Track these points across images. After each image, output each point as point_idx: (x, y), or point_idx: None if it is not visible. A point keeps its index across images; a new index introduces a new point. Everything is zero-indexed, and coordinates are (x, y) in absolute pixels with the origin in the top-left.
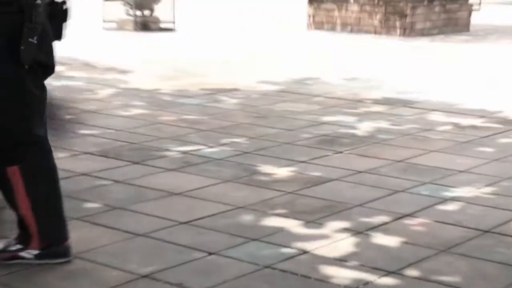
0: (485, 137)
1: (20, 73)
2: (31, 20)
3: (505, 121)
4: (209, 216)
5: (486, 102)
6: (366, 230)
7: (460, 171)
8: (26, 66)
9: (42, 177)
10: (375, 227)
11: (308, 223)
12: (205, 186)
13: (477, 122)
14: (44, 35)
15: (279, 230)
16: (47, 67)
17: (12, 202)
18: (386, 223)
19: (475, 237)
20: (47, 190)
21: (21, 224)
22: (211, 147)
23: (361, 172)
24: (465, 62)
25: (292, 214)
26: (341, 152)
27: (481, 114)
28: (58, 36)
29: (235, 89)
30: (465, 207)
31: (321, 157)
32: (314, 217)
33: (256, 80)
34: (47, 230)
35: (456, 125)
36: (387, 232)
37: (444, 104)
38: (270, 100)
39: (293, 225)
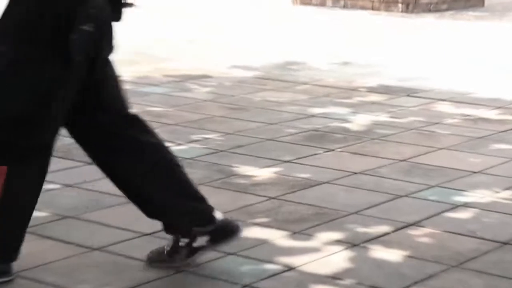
0: (503, 131)
1: (60, 74)
2: (85, 3)
3: None
4: None
5: (503, 91)
6: (363, 242)
7: (474, 172)
8: (76, 60)
9: (27, 189)
10: (373, 239)
11: (295, 234)
12: None
13: (493, 113)
14: (100, 20)
15: (261, 242)
16: (98, 60)
17: None
18: (386, 233)
19: (491, 250)
20: (24, 204)
21: None
22: (179, 144)
23: (356, 173)
24: (478, 44)
25: (276, 224)
26: (332, 150)
27: (498, 104)
28: (118, 16)
29: (206, 76)
30: (479, 215)
31: (310, 156)
32: (302, 227)
33: (230, 65)
34: (2, 246)
35: (468, 117)
36: (388, 244)
37: (454, 93)
38: (248, 89)
39: (277, 237)
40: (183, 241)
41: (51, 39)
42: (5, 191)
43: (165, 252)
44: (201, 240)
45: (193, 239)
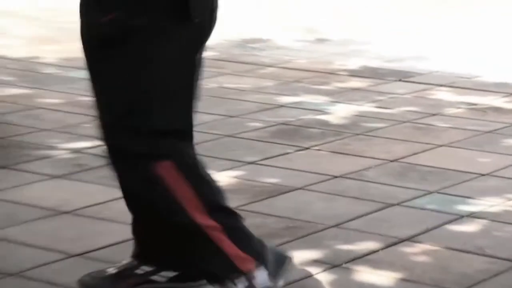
0: None
1: (188, 37)
2: None
3: None
4: (114, 244)
5: None
6: (346, 262)
7: (482, 175)
8: (197, 20)
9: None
10: (359, 258)
11: None
12: (107, 201)
13: (504, 102)
14: None
15: None
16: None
17: (168, 210)
18: (374, 251)
19: (504, 271)
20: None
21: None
22: None
23: (337, 177)
24: (486, 13)
25: None
26: (307, 148)
27: (510, 90)
28: None
29: None
30: (489, 227)
31: (279, 155)
32: (271, 243)
33: None
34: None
35: (473, 107)
36: (376, 264)
37: (456, 77)
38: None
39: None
40: (142, 269)
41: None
42: (191, 184)
43: (108, 275)
44: (165, 274)
45: (159, 270)
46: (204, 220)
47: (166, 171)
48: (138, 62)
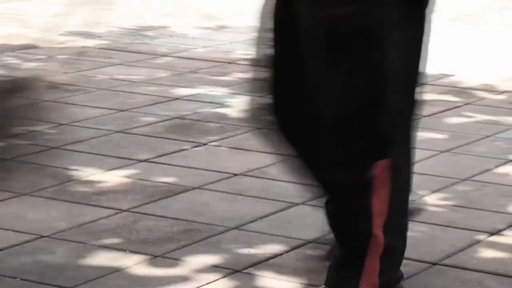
0: (428, 116)
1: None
2: None
3: (457, 90)
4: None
5: (428, 61)
6: (248, 267)
7: None
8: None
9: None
10: (261, 262)
11: (156, 259)
12: None
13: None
14: None
15: (109, 271)
16: None
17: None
18: (278, 255)
19: (417, 273)
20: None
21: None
22: None
23: (237, 175)
24: None
25: (131, 245)
26: (204, 144)
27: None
28: None
29: (32, 46)
30: None
31: (174, 152)
32: (166, 248)
33: (65, 31)
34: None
35: None
36: (280, 269)
37: None
38: (89, 64)
39: (132, 263)
40: None
41: None
42: (392, 194)
43: None
44: None
45: None
46: (377, 233)
47: (380, 171)
48: (376, 58)
